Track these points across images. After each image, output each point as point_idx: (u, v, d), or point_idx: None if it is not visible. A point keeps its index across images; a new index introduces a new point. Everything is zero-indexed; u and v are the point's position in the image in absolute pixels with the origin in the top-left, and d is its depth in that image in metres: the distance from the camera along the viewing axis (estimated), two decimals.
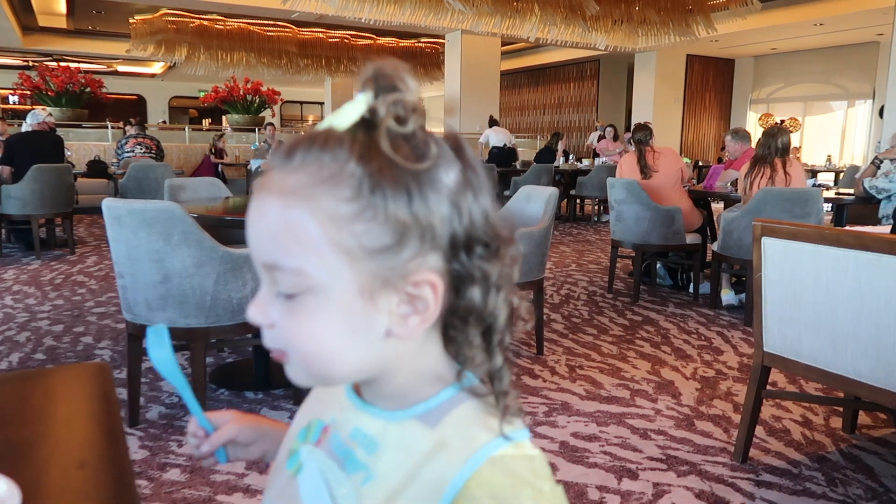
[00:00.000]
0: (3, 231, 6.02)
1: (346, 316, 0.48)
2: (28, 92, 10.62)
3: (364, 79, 0.49)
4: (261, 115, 11.93)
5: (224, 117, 13.70)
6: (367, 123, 0.48)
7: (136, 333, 2.57)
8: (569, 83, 16.54)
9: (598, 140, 10.86)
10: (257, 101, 11.50)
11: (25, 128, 6.24)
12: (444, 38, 12.42)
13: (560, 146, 10.25)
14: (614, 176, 4.90)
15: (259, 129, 11.19)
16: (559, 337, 3.71)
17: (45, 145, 5.93)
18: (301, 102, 21.41)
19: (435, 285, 0.48)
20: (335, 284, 0.47)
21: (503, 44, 12.60)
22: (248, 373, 3.13)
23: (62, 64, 12.41)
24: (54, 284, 4.75)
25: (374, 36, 13.87)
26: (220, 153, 9.81)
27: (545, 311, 4.09)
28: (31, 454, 0.78)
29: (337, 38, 13.51)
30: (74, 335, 3.58)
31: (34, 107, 9.23)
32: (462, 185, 0.49)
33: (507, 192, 8.42)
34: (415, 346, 0.52)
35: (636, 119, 12.69)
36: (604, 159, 9.98)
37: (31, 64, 14.93)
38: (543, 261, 3.41)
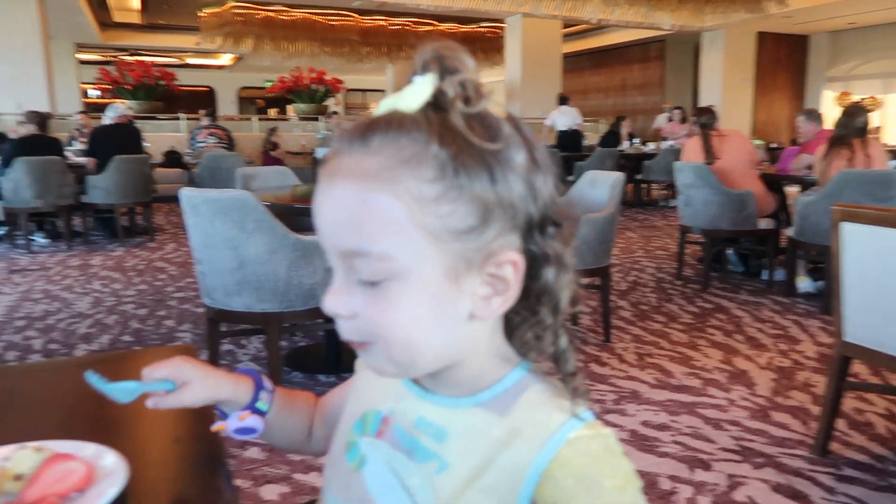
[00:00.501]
0: (90, 219, 6.36)
1: (432, 300, 0.48)
2: (108, 86, 11.08)
3: (424, 60, 0.49)
4: (325, 103, 12.12)
5: (289, 106, 13.98)
6: (436, 105, 0.48)
7: (215, 317, 2.68)
8: (633, 65, 16.12)
9: (666, 123, 10.58)
10: (321, 89, 11.68)
11: (106, 121, 6.54)
12: (504, 23, 12.30)
13: (624, 130, 10.04)
14: (680, 159, 4.78)
15: (324, 118, 11.38)
16: (627, 324, 3.66)
17: (125, 137, 6.20)
18: (364, 90, 21.63)
19: (517, 264, 0.49)
20: (421, 268, 0.47)
21: (564, 26, 12.37)
22: (319, 356, 3.22)
23: (137, 58, 12.91)
24: (137, 270, 4.99)
25: (435, 22, 13.85)
26: (275, 146, 10.02)
27: (612, 298, 4.04)
28: (131, 430, 0.84)
29: (398, 25, 13.56)
30: (157, 318, 3.76)
31: (113, 100, 9.66)
32: (531, 164, 0.49)
33: (570, 178, 8.32)
34: (489, 330, 0.53)
35: (704, 101, 12.29)
36: (671, 142, 9.72)
37: (109, 59, 15.60)
38: (609, 247, 3.36)
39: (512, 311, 0.52)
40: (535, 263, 0.51)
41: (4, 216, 5.92)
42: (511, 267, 0.49)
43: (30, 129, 5.79)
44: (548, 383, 0.53)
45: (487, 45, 14.55)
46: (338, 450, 0.61)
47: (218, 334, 2.78)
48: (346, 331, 0.51)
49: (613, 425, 2.39)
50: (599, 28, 13.96)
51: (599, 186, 3.53)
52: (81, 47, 15.35)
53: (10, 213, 5.77)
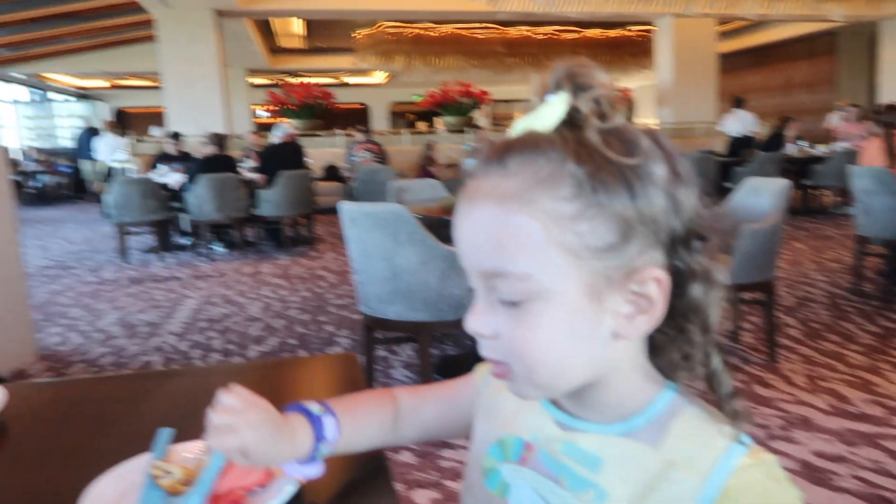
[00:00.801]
0: (260, 230, 6.93)
1: (574, 319, 0.48)
2: (275, 107, 12.01)
3: (556, 79, 0.49)
4: (471, 115, 12.35)
5: (437, 119, 14.39)
6: (571, 122, 0.48)
7: (371, 325, 2.82)
8: (798, 62, 14.89)
9: (839, 122, 9.65)
10: (469, 102, 11.91)
11: (273, 140, 7.09)
12: (653, 25, 11.87)
13: (790, 132, 9.28)
14: (856, 163, 4.34)
15: (470, 130, 11.59)
16: (795, 343, 3.38)
17: (291, 154, 6.70)
18: (510, 101, 21.77)
19: (661, 280, 0.48)
20: (562, 287, 0.47)
21: (719, 24, 11.71)
22: (468, 365, 3.26)
23: (300, 80, 13.90)
24: (301, 278, 5.36)
25: (580, 29, 13.67)
26: (432, 161, 10.30)
27: (778, 314, 3.75)
28: None
29: (543, 34, 13.53)
30: (318, 324, 4.01)
31: (279, 120, 10.47)
32: (672, 177, 0.48)
33: (727, 184, 7.83)
34: (633, 350, 0.51)
35: (884, 98, 11.08)
36: (845, 144, 8.85)
37: (276, 82, 16.95)
38: (774, 259, 3.13)
39: (657, 329, 0.50)
40: (680, 280, 0.49)
41: (190, 228, 6.62)
42: (655, 284, 0.48)
43: (211, 150, 6.43)
44: (700, 406, 0.51)
45: (636, 49, 14.12)
46: (474, 475, 0.60)
47: (373, 341, 2.91)
48: (487, 350, 0.51)
49: (780, 453, 2.22)
50: (759, 24, 13.07)
51: (762, 194, 3.30)
52: (252, 72, 16.83)
53: (194, 224, 6.43)
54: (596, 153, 0.46)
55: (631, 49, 14.14)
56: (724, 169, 8.13)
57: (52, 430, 0.88)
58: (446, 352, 3.47)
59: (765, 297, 3.14)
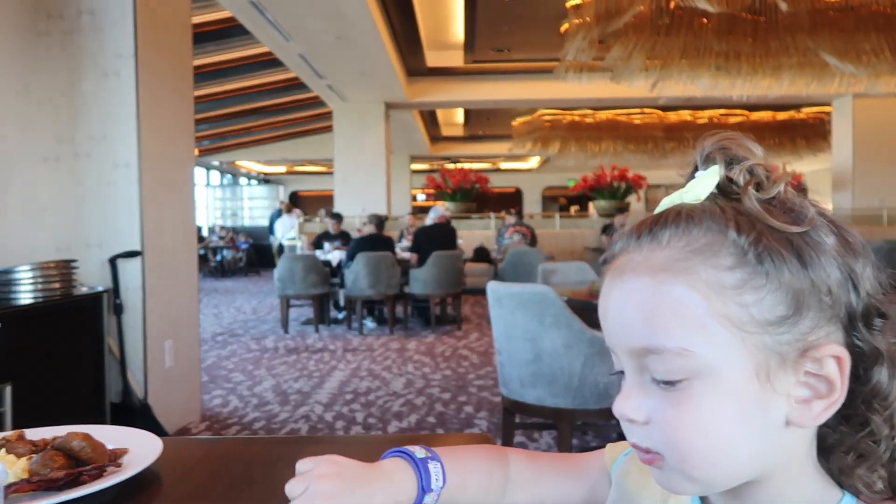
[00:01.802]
0: (410, 307, 7.17)
1: (740, 402, 0.42)
2: (432, 190, 12.62)
3: (705, 153, 0.48)
4: (626, 199, 12.17)
5: (590, 203, 14.32)
6: (725, 194, 0.46)
7: (510, 407, 2.76)
8: None
9: None
10: (623, 186, 11.78)
11: (428, 221, 7.41)
12: (830, 106, 11.18)
13: None
14: None
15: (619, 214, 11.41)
16: None
17: (443, 235, 6.95)
18: (666, 186, 21.26)
19: (841, 358, 0.42)
20: (726, 364, 0.42)
21: None
22: None
23: (458, 165, 14.53)
24: (444, 356, 5.42)
25: (747, 112, 13.18)
26: None
27: None
28: None
29: (705, 118, 13.20)
30: (458, 404, 4.01)
31: (435, 203, 10.96)
32: (844, 248, 0.44)
33: None
34: (805, 444, 0.45)
35: None
36: None
37: (435, 168, 17.87)
38: None
39: (829, 425, 0.44)
40: (862, 362, 0.43)
41: (345, 303, 7.00)
42: (834, 362, 0.42)
43: (370, 229, 6.84)
44: None
45: (809, 132, 13.33)
46: None
47: (512, 425, 2.85)
48: (637, 437, 0.46)
49: None
50: None
51: None
52: (414, 158, 17.88)
53: (349, 300, 6.78)
54: (758, 221, 0.43)
55: (803, 131, 13.38)
56: None
57: (200, 483, 0.94)
58: (588, 443, 3.31)
59: None
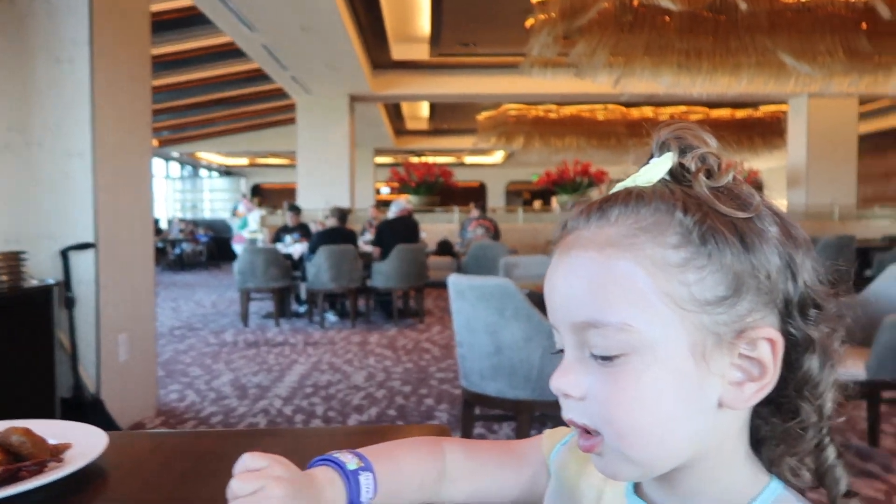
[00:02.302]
0: (372, 301, 7.14)
1: (676, 379, 0.43)
2: (396, 184, 12.57)
3: (661, 141, 0.48)
4: (588, 194, 12.33)
5: (553, 198, 14.45)
6: (677, 179, 0.47)
7: (470, 400, 2.78)
8: None
9: None
10: (585, 181, 11.91)
11: (390, 214, 7.39)
12: (786, 105, 11.46)
13: None
14: None
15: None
16: None
17: (405, 229, 6.93)
18: None
19: (774, 342, 0.43)
20: (664, 341, 0.43)
21: (861, 103, 11.12)
22: None
23: (422, 159, 14.51)
24: (406, 349, 5.42)
25: (707, 109, 13.42)
26: None
27: None
28: None
29: (667, 114, 13.40)
30: (419, 396, 4.01)
31: (398, 196, 10.92)
32: (786, 238, 0.45)
33: (868, 272, 7.22)
34: (738, 427, 0.46)
35: None
36: None
37: (399, 161, 17.80)
38: None
39: (757, 415, 0.46)
40: (795, 350, 0.45)
41: (306, 296, 6.94)
42: (768, 345, 0.43)
43: (333, 223, 6.79)
44: None
45: (766, 130, 13.64)
46: None
47: (472, 417, 2.86)
48: (573, 413, 0.46)
49: None
50: None
51: None
52: (378, 151, 17.78)
53: (310, 293, 6.72)
54: (705, 204, 0.44)
55: (760, 129, 13.69)
56: (865, 255, 7.52)
57: (148, 478, 0.92)
58: None
59: None
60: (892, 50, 7.93)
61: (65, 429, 0.99)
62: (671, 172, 0.47)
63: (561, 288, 0.46)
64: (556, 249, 0.49)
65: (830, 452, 0.45)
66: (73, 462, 0.88)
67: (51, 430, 0.96)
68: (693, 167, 0.46)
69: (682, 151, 0.47)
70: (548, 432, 0.64)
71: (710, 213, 0.44)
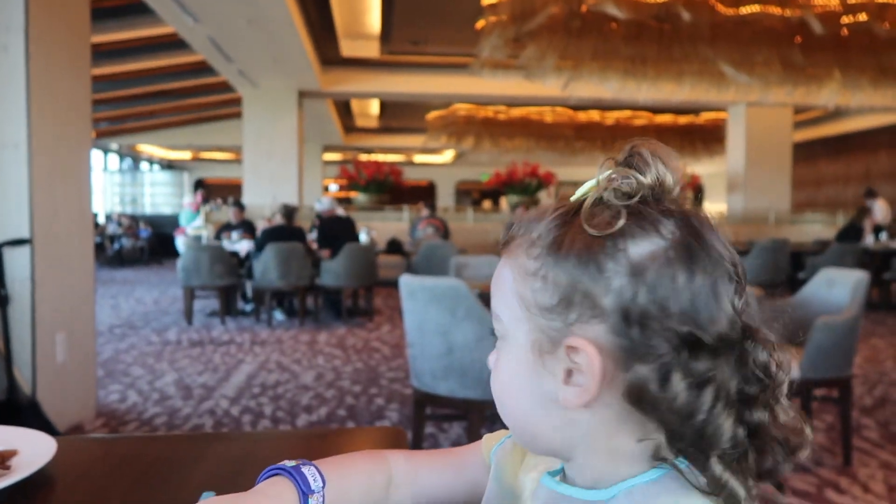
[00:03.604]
0: (321, 299, 7.06)
1: (520, 367, 0.50)
2: (345, 181, 12.46)
3: (621, 157, 0.51)
4: (536, 196, 12.46)
5: (502, 198, 14.58)
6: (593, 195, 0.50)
7: (421, 400, 2.78)
8: (879, 151, 14.49)
9: None
10: (534, 182, 12.06)
11: (318, 207, 7.36)
12: (726, 112, 11.86)
13: (868, 223, 8.95)
14: None
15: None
16: (873, 447, 3.13)
17: (344, 228, 6.90)
18: (576, 182, 21.90)
19: (592, 356, 0.46)
20: (515, 333, 0.51)
21: (795, 112, 11.60)
22: None
23: (371, 157, 14.42)
24: (355, 349, 5.38)
25: (651, 114, 13.79)
26: None
27: (854, 414, 3.51)
28: None
29: (613, 119, 13.70)
30: (369, 396, 3.99)
31: (349, 193, 10.83)
32: (660, 261, 0.46)
33: (801, 275, 7.54)
34: (605, 425, 0.48)
35: None
36: None
37: (348, 159, 17.64)
38: (850, 356, 2.95)
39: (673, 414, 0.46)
40: (631, 359, 0.46)
41: (253, 294, 6.81)
42: (586, 357, 0.46)
43: (279, 220, 6.68)
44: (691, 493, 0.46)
45: (707, 136, 14.11)
46: None
47: (423, 416, 2.87)
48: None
49: None
50: (837, 114, 12.88)
51: (838, 286, 3.16)
52: (327, 148, 17.58)
53: (257, 291, 6.61)
54: (573, 221, 0.49)
55: (701, 135, 14.14)
56: (798, 259, 7.85)
57: (99, 485, 0.89)
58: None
59: (840, 394, 2.95)
60: (824, 63, 8.31)
61: (9, 435, 0.95)
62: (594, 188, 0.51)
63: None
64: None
65: (715, 466, 0.45)
66: (21, 469, 0.84)
67: None
68: (600, 184, 0.50)
69: (626, 165, 0.50)
70: (487, 436, 0.68)
71: (572, 230, 0.48)
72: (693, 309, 0.45)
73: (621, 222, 0.47)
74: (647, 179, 0.49)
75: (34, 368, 3.15)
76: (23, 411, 2.98)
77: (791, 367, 0.48)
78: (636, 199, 0.48)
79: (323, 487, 0.59)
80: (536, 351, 0.49)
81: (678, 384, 0.45)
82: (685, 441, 0.46)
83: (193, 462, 0.96)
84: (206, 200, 12.70)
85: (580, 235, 0.48)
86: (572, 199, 0.51)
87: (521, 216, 0.54)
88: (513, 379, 0.51)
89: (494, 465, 0.63)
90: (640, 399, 0.46)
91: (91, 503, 0.84)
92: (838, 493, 2.61)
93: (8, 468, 0.85)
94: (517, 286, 0.50)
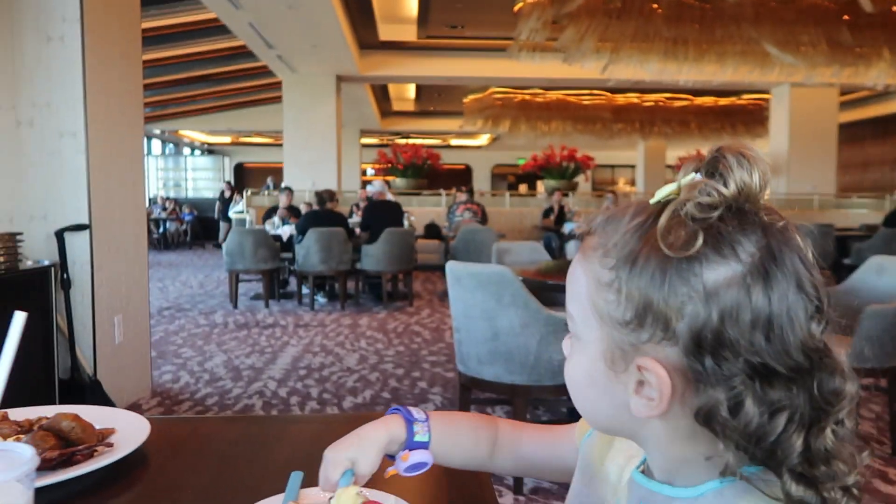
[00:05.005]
0: (362, 283, 7.17)
1: (591, 370, 0.52)
2: (382, 166, 12.53)
3: (707, 159, 0.49)
4: (575, 179, 12.38)
5: (539, 182, 14.49)
6: (670, 202, 0.48)
7: (467, 384, 2.83)
8: None
9: None
10: (572, 166, 11.97)
11: (370, 190, 7.43)
12: (769, 93, 11.58)
13: None
14: None
15: (572, 194, 11.59)
16: None
17: (390, 212, 6.95)
18: (613, 166, 21.67)
19: (661, 376, 0.47)
20: (588, 336, 0.52)
21: (841, 93, 11.27)
22: None
23: (409, 141, 14.46)
24: (397, 332, 5.46)
25: (691, 97, 13.52)
26: None
27: None
28: (408, 488, 0.91)
29: (652, 101, 13.48)
30: (412, 379, 4.06)
31: (385, 178, 10.91)
32: (736, 287, 0.45)
33: (846, 261, 7.38)
34: (675, 433, 0.50)
35: None
36: None
37: (385, 142, 17.71)
38: None
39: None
40: (702, 383, 0.46)
41: (296, 278, 6.94)
42: (655, 377, 0.47)
43: (319, 205, 6.79)
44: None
45: (748, 118, 13.80)
46: None
47: (468, 401, 2.92)
48: None
49: None
50: (884, 93, 12.46)
51: (888, 273, 3.12)
52: (364, 133, 17.68)
53: (300, 275, 6.73)
54: (650, 235, 0.47)
55: (743, 117, 13.83)
56: (844, 244, 7.68)
57: (189, 463, 0.95)
58: (540, 418, 3.42)
59: (889, 384, 2.91)
60: (873, 42, 8.05)
61: (103, 414, 1.01)
62: (675, 193, 0.49)
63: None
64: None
65: (787, 481, 0.45)
66: (122, 447, 0.91)
67: (92, 415, 0.98)
68: (682, 195, 0.48)
69: (710, 174, 0.48)
70: (581, 422, 0.71)
71: (649, 245, 0.47)
72: (768, 338, 0.45)
73: (698, 244, 0.45)
74: (730, 189, 0.47)
75: (95, 349, 3.28)
76: (85, 390, 3.12)
77: (858, 393, 0.47)
78: (717, 214, 0.46)
79: (426, 420, 0.72)
80: (607, 360, 0.50)
81: (750, 411, 0.44)
82: (756, 459, 0.46)
83: (274, 442, 1.01)
84: (233, 191, 13.05)
85: (655, 253, 0.46)
86: (651, 201, 0.50)
87: (605, 211, 0.52)
88: (584, 378, 0.53)
89: (585, 447, 0.67)
90: (710, 420, 0.46)
91: (184, 480, 0.90)
92: (886, 483, 2.59)
93: (110, 445, 0.92)
94: (591, 293, 0.51)
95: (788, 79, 9.47)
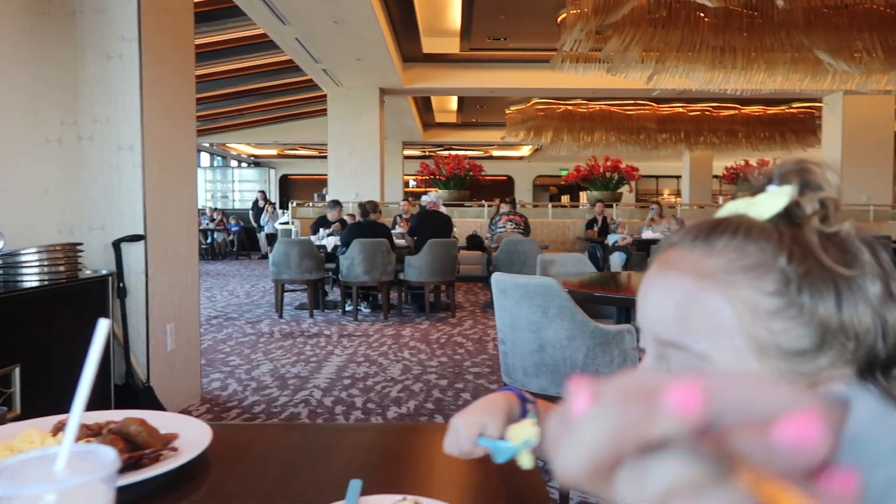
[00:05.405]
0: (405, 294, 7.21)
1: None
2: (424, 177, 12.61)
3: (784, 171, 0.48)
4: (619, 190, 12.24)
5: (582, 193, 14.38)
6: (789, 218, 0.46)
7: None
8: None
9: None
10: (616, 177, 11.85)
11: (424, 200, 7.48)
12: (820, 102, 11.28)
13: None
14: None
15: (616, 205, 11.47)
16: None
17: (440, 222, 6.99)
18: (657, 177, 21.38)
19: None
20: None
21: None
22: None
23: (451, 152, 14.54)
24: (440, 343, 5.47)
25: (739, 106, 13.26)
26: None
27: None
28: (464, 485, 0.91)
29: (697, 111, 13.27)
30: (456, 391, 4.06)
31: (428, 189, 10.97)
32: (885, 296, 0.45)
33: None
34: None
35: None
36: None
37: (427, 154, 17.83)
38: None
39: None
40: None
41: (341, 288, 7.02)
42: None
43: (362, 216, 6.87)
44: None
45: (799, 126, 13.45)
46: None
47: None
48: None
49: None
50: None
51: None
52: (407, 145, 17.83)
53: (344, 285, 6.80)
54: (811, 255, 0.45)
55: (792, 126, 13.48)
56: None
57: (251, 469, 0.97)
58: None
59: None
60: None
61: (167, 420, 1.04)
62: (786, 209, 0.47)
63: (653, 302, 0.49)
64: (656, 260, 0.51)
65: None
66: (186, 451, 0.93)
67: (156, 420, 1.01)
68: (809, 209, 0.46)
69: (803, 188, 0.47)
70: None
71: (814, 265, 0.44)
72: None
73: (865, 257, 0.45)
74: (838, 201, 0.47)
75: (148, 356, 3.37)
76: (139, 396, 3.20)
77: None
78: (846, 227, 0.46)
79: (535, 403, 0.79)
80: None
81: None
82: None
83: (332, 450, 1.03)
84: (266, 201, 13.44)
85: (824, 271, 0.44)
86: (751, 214, 0.47)
87: (690, 226, 0.50)
88: None
89: None
90: None
91: (247, 485, 0.92)
92: None
93: (176, 450, 0.94)
94: (745, 325, 0.45)
95: (842, 86, 9.20)
